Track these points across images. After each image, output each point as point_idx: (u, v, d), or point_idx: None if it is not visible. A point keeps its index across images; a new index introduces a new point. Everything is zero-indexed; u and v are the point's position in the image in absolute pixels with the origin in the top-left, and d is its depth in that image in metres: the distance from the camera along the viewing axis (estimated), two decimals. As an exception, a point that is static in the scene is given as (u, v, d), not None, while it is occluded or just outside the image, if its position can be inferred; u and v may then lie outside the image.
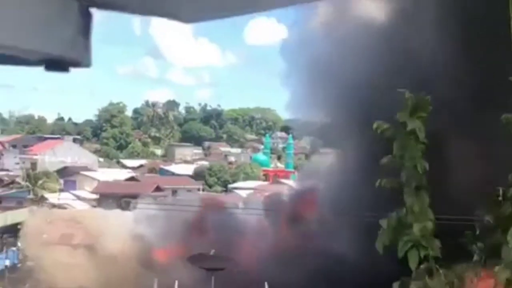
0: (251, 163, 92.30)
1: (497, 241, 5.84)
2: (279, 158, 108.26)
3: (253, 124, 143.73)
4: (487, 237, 6.21)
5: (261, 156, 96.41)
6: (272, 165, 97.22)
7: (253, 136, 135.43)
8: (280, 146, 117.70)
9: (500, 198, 6.01)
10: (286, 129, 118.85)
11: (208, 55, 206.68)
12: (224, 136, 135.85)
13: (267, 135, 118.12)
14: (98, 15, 1.62)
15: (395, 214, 5.55)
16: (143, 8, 1.60)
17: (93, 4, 1.55)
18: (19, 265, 40.22)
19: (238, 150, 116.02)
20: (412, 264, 5.38)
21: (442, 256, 5.52)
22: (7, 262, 40.16)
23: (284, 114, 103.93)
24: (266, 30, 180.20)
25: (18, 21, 1.38)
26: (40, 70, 1.54)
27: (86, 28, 1.54)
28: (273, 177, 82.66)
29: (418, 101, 5.67)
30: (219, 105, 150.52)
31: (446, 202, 13.81)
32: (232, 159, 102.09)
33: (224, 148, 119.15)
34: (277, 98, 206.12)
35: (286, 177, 73.32)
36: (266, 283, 17.76)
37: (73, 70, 1.57)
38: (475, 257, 6.35)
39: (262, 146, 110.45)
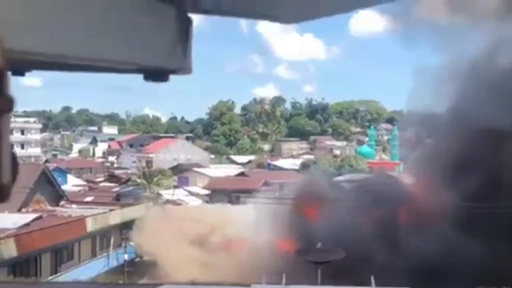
0: (356, 156, 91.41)
1: None
2: (384, 149, 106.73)
3: (357, 117, 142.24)
4: None
5: (366, 149, 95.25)
6: (377, 157, 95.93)
7: (358, 129, 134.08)
8: (385, 137, 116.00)
9: None
10: (391, 120, 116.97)
11: (313, 49, 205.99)
12: (329, 129, 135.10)
13: (372, 127, 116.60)
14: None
15: None
16: (245, 12, 1.53)
17: (192, 9, 1.45)
18: (137, 259, 41.18)
19: (343, 143, 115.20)
20: None
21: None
22: (126, 257, 41.18)
23: (389, 106, 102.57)
24: (370, 21, 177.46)
25: (115, 33, 1.28)
26: None
27: (185, 35, 1.43)
28: (378, 169, 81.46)
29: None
30: (323, 99, 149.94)
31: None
32: (337, 152, 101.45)
33: (330, 142, 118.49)
34: (381, 89, 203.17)
35: (392, 169, 72.02)
36: (372, 277, 17.36)
37: None
38: None
39: (367, 139, 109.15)
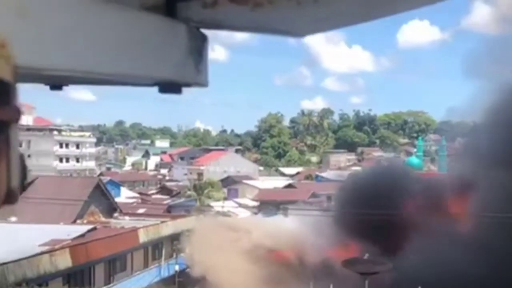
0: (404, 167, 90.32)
1: None
2: (432, 160, 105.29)
3: (405, 128, 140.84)
4: None
5: (414, 160, 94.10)
6: (425, 168, 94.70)
7: (405, 140, 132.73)
8: (433, 148, 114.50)
9: None
10: (439, 131, 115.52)
11: (361, 60, 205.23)
12: (377, 141, 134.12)
13: (420, 138, 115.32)
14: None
15: None
16: (253, 26, 1.57)
17: (203, 25, 1.51)
18: (187, 270, 41.33)
19: (391, 154, 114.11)
20: None
21: None
22: (177, 267, 41.37)
23: (438, 116, 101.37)
24: (418, 33, 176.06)
25: (130, 50, 1.35)
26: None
27: (197, 49, 1.49)
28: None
29: None
30: (370, 110, 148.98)
31: None
32: (385, 163, 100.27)
33: (377, 153, 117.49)
34: (429, 100, 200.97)
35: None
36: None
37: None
38: None
39: (415, 150, 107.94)
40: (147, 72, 1.41)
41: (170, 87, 1.47)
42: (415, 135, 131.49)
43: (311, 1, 1.40)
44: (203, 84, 1.57)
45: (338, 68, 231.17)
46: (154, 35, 1.39)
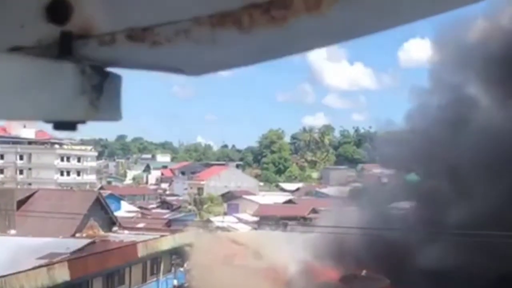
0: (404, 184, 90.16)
1: None
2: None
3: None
4: None
5: (413, 176, 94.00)
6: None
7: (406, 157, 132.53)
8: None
9: None
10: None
11: (363, 78, 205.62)
12: (378, 157, 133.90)
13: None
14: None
15: None
16: (151, 64, 1.55)
17: (101, 63, 1.48)
18: (186, 285, 41.14)
19: (391, 171, 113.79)
20: None
21: None
22: (175, 282, 41.23)
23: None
24: (419, 51, 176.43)
25: (22, 93, 1.39)
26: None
27: (94, 87, 1.47)
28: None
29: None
30: (370, 127, 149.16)
31: None
32: (385, 180, 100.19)
33: (377, 170, 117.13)
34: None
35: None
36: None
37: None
38: None
39: (414, 166, 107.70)
40: (36, 112, 1.44)
41: (63, 124, 1.48)
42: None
43: (209, 41, 1.39)
44: (107, 119, 1.56)
45: (339, 85, 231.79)
46: (43, 77, 1.39)
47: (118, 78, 1.54)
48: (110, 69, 1.50)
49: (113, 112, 1.55)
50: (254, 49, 1.48)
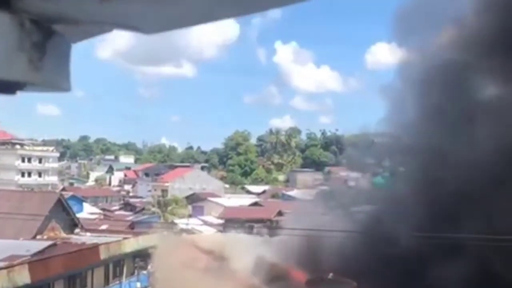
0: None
1: None
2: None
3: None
4: None
5: (380, 179, 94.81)
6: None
7: (372, 160, 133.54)
8: (401, 169, 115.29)
9: None
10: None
11: (330, 81, 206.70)
12: (344, 160, 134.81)
13: (387, 158, 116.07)
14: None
15: None
16: (100, 20, 1.45)
17: (45, 18, 1.38)
18: (149, 288, 40.98)
19: (358, 174, 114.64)
20: None
21: None
22: (138, 285, 40.99)
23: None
24: (386, 55, 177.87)
25: None
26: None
27: (35, 45, 1.37)
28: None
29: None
30: (337, 130, 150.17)
31: None
32: (352, 183, 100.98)
33: (344, 173, 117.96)
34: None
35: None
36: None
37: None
38: None
39: (381, 170, 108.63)
40: None
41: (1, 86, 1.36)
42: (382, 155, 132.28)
43: None
44: (51, 86, 1.45)
45: (306, 87, 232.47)
46: None
47: (66, 43, 1.46)
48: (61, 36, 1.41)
49: (59, 80, 1.45)
50: (212, 6, 1.44)
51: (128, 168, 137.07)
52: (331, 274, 26.34)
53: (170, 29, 1.53)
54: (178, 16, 1.45)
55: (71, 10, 1.39)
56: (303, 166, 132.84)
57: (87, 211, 66.33)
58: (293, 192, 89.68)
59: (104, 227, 53.72)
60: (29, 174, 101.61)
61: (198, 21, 1.51)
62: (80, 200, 69.59)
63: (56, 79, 1.43)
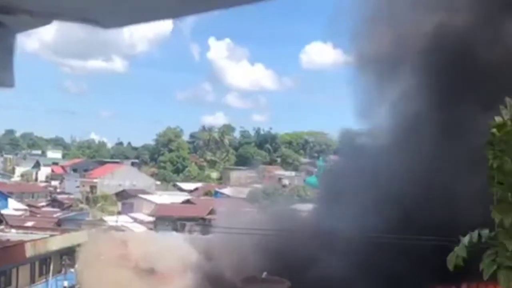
0: (304, 186, 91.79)
1: None
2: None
3: (306, 148, 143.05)
4: None
5: (314, 179, 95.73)
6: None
7: (306, 159, 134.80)
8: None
9: None
10: (339, 151, 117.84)
11: (264, 79, 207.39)
12: (278, 159, 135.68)
13: (321, 158, 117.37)
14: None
15: (477, 232, 5.16)
16: (52, 13, 1.43)
17: (6, 11, 1.33)
18: (77, 286, 40.43)
19: (292, 173, 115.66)
20: (505, 284, 4.98)
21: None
22: (66, 283, 40.51)
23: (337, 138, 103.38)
24: (321, 55, 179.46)
25: None
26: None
27: None
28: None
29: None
30: (271, 128, 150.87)
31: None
32: (286, 182, 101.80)
33: (278, 171, 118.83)
34: (330, 121, 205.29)
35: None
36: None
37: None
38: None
39: (315, 169, 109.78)
40: None
41: None
42: (316, 155, 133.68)
43: None
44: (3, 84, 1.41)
45: (240, 85, 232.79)
46: None
47: (12, 35, 1.40)
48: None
49: (2, 75, 1.39)
50: (171, 2, 1.45)
51: (55, 164, 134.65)
52: (265, 273, 26.60)
53: (129, 24, 1.53)
54: (137, 11, 1.45)
55: (23, 2, 1.36)
56: (237, 164, 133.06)
57: (12, 207, 65.11)
58: (226, 190, 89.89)
59: (30, 223, 52.78)
60: None
61: (158, 16, 1.52)
62: (5, 196, 68.27)
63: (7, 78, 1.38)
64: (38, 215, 62.16)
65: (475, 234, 5.24)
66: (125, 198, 79.83)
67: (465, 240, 5.17)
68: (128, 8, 1.44)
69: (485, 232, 5.16)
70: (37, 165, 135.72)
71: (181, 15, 1.57)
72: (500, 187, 5.08)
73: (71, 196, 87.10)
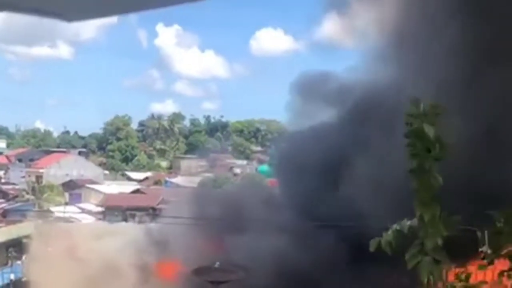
0: (256, 174, 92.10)
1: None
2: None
3: (258, 136, 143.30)
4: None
5: (266, 167, 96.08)
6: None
7: (258, 148, 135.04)
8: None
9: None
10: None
11: (214, 67, 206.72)
12: (230, 148, 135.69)
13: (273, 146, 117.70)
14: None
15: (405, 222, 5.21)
16: (27, 7, 1.47)
17: None
18: (23, 279, 40.06)
19: (244, 162, 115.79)
20: (424, 277, 5.06)
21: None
22: (12, 276, 40.06)
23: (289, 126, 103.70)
24: (272, 41, 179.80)
25: None
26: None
27: None
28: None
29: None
30: (222, 116, 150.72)
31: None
32: (237, 170, 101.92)
33: (230, 160, 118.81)
34: (282, 110, 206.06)
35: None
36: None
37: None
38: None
39: (267, 158, 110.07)
40: None
41: None
42: (268, 143, 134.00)
43: None
44: None
45: (190, 72, 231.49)
46: None
47: None
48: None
49: None
50: None
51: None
52: (217, 263, 26.68)
53: (93, 18, 1.55)
54: (101, 4, 1.47)
55: None
56: (187, 152, 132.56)
57: (-46, 198, 64.01)
58: (176, 179, 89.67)
59: (-27, 215, 51.99)
60: None
61: (121, 10, 1.54)
62: None
63: None
64: (-18, 207, 61.28)
65: (404, 222, 5.26)
66: (73, 189, 79.10)
67: (394, 226, 5.18)
68: (92, 2, 1.45)
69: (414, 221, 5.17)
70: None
71: (147, 8, 1.59)
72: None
73: (16, 187, 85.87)
